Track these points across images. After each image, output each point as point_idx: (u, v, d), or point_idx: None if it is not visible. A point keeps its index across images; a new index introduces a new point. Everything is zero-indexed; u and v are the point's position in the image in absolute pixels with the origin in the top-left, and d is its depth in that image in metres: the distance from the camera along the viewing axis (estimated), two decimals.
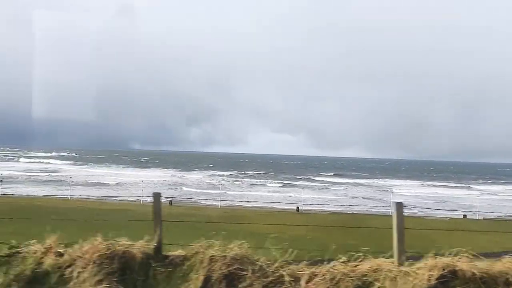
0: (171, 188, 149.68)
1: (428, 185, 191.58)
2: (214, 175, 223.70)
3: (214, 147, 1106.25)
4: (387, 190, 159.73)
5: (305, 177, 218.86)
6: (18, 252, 10.81)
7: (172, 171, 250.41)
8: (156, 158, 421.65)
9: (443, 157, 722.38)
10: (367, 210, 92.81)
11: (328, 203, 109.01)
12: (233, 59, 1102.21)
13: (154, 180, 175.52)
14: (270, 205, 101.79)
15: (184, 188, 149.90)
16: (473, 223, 66.18)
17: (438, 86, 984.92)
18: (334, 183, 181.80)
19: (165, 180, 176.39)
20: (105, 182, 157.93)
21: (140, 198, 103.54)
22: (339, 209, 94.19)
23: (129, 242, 11.15)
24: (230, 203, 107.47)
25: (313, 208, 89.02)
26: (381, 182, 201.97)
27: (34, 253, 10.66)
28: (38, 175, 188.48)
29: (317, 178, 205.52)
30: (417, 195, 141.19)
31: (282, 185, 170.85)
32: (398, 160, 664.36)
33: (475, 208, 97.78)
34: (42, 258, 10.54)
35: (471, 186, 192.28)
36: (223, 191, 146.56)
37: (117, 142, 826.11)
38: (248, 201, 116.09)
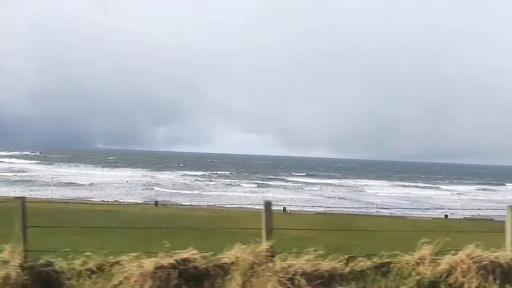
0: (147, 189, 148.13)
1: (398, 185, 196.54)
2: (186, 175, 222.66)
3: (180, 146, 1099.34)
4: (361, 191, 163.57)
5: (278, 177, 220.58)
6: (389, 263, 11.58)
7: (143, 171, 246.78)
8: (123, 158, 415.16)
9: (408, 158, 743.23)
10: (348, 211, 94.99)
11: (308, 204, 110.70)
12: (202, 58, 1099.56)
13: (128, 181, 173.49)
14: (250, 206, 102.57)
15: (158, 189, 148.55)
16: (455, 223, 68.65)
17: (404, 88, 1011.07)
18: (307, 183, 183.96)
19: (139, 180, 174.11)
20: (78, 182, 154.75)
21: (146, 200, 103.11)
22: (321, 209, 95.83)
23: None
24: (212, 203, 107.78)
25: (296, 209, 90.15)
26: (352, 182, 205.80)
27: (407, 263, 11.49)
28: (5, 175, 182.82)
29: (289, 179, 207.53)
30: (391, 195, 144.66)
31: (257, 185, 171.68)
32: (364, 160, 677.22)
33: (449, 207, 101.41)
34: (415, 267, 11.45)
35: (439, 186, 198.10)
36: (199, 192, 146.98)
37: (81, 141, 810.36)
38: (229, 202, 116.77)
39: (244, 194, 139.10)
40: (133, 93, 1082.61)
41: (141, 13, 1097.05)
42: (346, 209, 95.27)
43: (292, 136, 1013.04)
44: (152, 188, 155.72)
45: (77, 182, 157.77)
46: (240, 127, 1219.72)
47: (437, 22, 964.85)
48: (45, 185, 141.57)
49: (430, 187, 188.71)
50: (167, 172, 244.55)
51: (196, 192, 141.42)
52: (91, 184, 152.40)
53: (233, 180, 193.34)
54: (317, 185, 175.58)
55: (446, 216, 79.67)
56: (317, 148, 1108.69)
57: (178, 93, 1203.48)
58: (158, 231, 56.09)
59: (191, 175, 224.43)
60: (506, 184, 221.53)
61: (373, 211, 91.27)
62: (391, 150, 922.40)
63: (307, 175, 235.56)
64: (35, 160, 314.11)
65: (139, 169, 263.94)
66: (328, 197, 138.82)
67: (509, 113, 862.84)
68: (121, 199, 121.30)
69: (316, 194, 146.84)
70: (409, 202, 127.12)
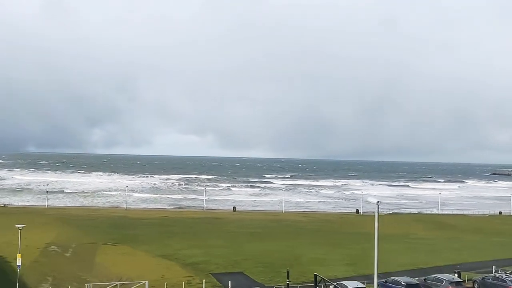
0: (177, 193, 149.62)
1: (382, 185, 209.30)
2: (169, 179, 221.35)
3: (117, 148, 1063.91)
4: (355, 192, 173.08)
5: (261, 179, 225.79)
6: None
7: (114, 176, 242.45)
8: (71, 162, 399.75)
9: (344, 157, 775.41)
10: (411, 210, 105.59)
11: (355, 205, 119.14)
12: (139, 57, 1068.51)
13: (128, 186, 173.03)
14: (315, 210, 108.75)
15: (156, 195, 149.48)
16: None
17: (342, 89, 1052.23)
18: (298, 185, 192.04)
19: (134, 187, 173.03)
20: (68, 190, 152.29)
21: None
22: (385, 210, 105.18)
23: None
24: (242, 208, 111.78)
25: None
26: (339, 183, 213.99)
27: None
28: None
29: (275, 181, 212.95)
30: (390, 196, 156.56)
31: (255, 188, 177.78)
32: (306, 160, 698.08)
33: (453, 205, 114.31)
34: None
35: (409, 185, 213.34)
36: (202, 196, 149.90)
37: (8, 145, 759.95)
38: (255, 207, 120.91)
39: (262, 199, 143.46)
40: (65, 93, 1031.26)
41: (72, 8, 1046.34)
42: (408, 209, 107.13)
43: (231, 137, 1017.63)
44: (157, 192, 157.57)
45: (67, 190, 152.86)
46: (178, 128, 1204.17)
47: (371, 24, 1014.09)
48: (44, 194, 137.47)
49: (402, 186, 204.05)
50: (137, 175, 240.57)
51: (216, 197, 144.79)
52: (93, 192, 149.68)
53: (223, 184, 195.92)
54: (308, 187, 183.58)
55: (500, 212, 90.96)
56: (256, 148, 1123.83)
57: (113, 93, 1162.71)
58: (330, 234, 61.29)
59: (167, 178, 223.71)
60: (465, 180, 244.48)
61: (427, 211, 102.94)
62: (328, 149, 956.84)
63: (291, 177, 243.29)
64: None
65: (107, 173, 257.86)
66: (338, 198, 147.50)
67: (436, 116, 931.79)
68: (174, 205, 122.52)
69: (326, 196, 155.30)
70: (416, 201, 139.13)
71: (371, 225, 73.62)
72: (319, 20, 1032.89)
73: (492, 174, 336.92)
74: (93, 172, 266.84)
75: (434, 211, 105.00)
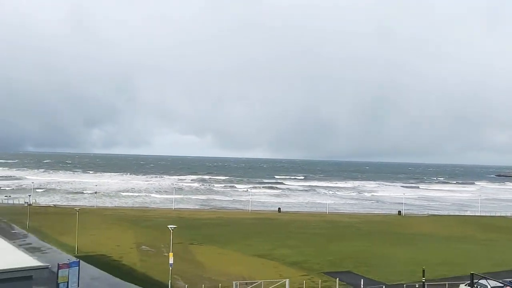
0: (199, 194, 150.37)
1: (388, 186, 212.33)
2: (182, 180, 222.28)
3: (116, 148, 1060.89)
4: (374, 193, 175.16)
5: (275, 180, 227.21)
6: None
7: (126, 176, 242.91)
8: (73, 162, 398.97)
9: (344, 157, 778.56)
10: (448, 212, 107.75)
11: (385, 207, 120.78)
12: (138, 58, 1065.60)
13: (129, 187, 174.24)
14: (321, 210, 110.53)
15: (188, 196, 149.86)
16: None
17: (341, 90, 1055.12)
18: (314, 187, 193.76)
19: (160, 188, 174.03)
20: (87, 191, 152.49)
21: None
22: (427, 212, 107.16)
23: None
24: (285, 209, 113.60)
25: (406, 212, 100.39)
26: (354, 184, 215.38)
27: None
28: (5, 184, 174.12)
29: (287, 182, 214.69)
30: (411, 197, 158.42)
31: (269, 188, 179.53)
32: (305, 160, 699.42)
33: (476, 207, 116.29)
34: None
35: (419, 186, 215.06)
36: (224, 196, 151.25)
37: (7, 144, 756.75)
38: (289, 207, 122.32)
39: (286, 200, 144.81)
40: (64, 93, 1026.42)
41: (71, 9, 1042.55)
42: (439, 211, 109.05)
43: (230, 137, 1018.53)
44: (204, 193, 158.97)
45: (89, 191, 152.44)
46: (177, 128, 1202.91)
47: (370, 27, 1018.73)
48: (70, 194, 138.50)
49: (413, 187, 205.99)
50: (153, 176, 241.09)
51: (239, 198, 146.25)
52: (117, 193, 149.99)
53: (239, 186, 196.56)
54: (329, 189, 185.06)
55: None
56: (255, 149, 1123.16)
57: (113, 93, 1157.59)
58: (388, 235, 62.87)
59: (179, 179, 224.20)
60: (476, 183, 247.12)
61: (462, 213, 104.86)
62: (327, 150, 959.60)
63: (304, 179, 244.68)
64: None
65: (119, 174, 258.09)
66: (371, 201, 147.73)
67: (431, 117, 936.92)
68: (205, 205, 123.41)
69: (347, 197, 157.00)
70: (440, 203, 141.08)
71: (422, 226, 75.79)
72: (319, 20, 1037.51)
73: (497, 176, 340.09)
74: (104, 173, 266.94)
75: (468, 213, 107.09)
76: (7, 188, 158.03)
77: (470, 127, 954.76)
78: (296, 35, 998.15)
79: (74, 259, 34.54)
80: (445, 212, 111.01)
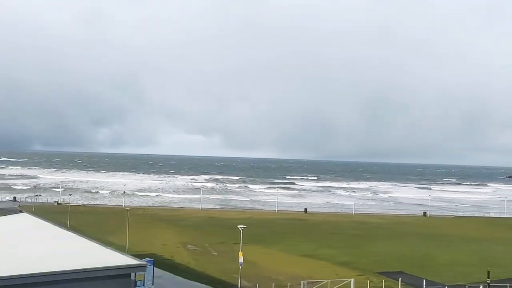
0: (216, 194, 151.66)
1: (401, 187, 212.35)
2: (195, 180, 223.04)
3: (122, 148, 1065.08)
4: (391, 194, 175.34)
5: (287, 181, 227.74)
6: None
7: (139, 175, 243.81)
8: (82, 161, 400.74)
9: (347, 157, 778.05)
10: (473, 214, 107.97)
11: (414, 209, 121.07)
12: (145, 58, 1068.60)
13: (145, 186, 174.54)
14: (344, 211, 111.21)
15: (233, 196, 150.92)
16: None
17: (346, 91, 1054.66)
18: (329, 187, 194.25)
19: (184, 185, 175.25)
20: (118, 190, 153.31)
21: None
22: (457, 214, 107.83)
23: None
24: (311, 210, 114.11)
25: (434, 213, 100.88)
26: (367, 185, 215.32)
27: None
28: (24, 182, 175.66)
29: (301, 183, 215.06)
30: (427, 198, 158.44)
31: (286, 188, 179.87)
32: (312, 161, 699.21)
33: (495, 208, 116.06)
34: None
35: (431, 187, 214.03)
36: (241, 196, 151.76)
37: (14, 143, 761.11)
38: (312, 208, 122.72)
39: (303, 201, 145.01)
40: (71, 93, 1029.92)
41: (79, 9, 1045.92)
42: (461, 213, 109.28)
43: (236, 137, 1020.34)
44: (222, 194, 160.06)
45: (108, 190, 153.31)
46: (185, 128, 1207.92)
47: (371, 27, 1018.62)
48: (90, 193, 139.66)
49: (424, 188, 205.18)
50: (166, 176, 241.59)
51: (256, 198, 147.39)
52: (136, 192, 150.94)
53: (253, 186, 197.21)
54: (344, 190, 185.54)
55: None
56: (260, 149, 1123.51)
57: (120, 93, 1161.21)
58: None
59: (202, 180, 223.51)
60: (488, 184, 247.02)
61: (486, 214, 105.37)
62: (333, 150, 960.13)
63: (318, 179, 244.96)
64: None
65: (131, 173, 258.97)
66: (394, 202, 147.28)
67: (436, 119, 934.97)
68: (225, 205, 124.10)
69: (365, 198, 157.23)
70: (458, 204, 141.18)
71: (451, 227, 76.11)
72: (322, 20, 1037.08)
73: (508, 177, 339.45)
74: (115, 172, 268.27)
75: (491, 214, 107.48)
76: (24, 187, 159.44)
77: (473, 128, 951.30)
78: (299, 35, 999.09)
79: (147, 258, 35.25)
80: (468, 214, 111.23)
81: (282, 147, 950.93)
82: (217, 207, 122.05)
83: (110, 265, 24.77)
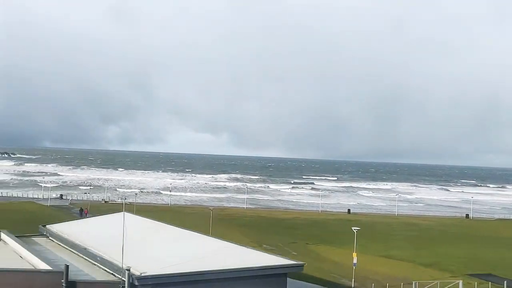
0: (241, 193, 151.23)
1: (420, 187, 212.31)
2: (216, 179, 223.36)
3: (131, 145, 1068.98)
4: (417, 195, 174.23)
5: (302, 181, 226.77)
6: None
7: (158, 174, 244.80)
8: (95, 159, 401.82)
9: (358, 157, 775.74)
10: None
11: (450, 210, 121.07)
12: (153, 56, 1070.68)
13: (175, 186, 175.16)
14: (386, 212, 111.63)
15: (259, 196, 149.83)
16: None
17: (357, 90, 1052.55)
18: (352, 188, 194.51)
19: (207, 184, 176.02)
20: (162, 191, 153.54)
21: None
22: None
23: None
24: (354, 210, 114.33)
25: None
26: (388, 186, 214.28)
27: None
28: (21, 179, 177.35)
29: (320, 183, 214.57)
30: (454, 200, 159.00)
31: (310, 189, 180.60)
32: (323, 160, 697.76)
33: None
34: None
35: (449, 189, 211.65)
36: (266, 195, 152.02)
37: (23, 140, 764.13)
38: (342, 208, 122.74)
39: (328, 201, 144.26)
40: (82, 90, 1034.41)
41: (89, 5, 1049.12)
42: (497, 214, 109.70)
43: (245, 136, 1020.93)
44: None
45: (135, 189, 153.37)
46: (194, 126, 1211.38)
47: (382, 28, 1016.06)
48: (116, 191, 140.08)
49: (464, 192, 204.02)
50: (185, 175, 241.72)
51: (282, 198, 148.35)
52: (162, 191, 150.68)
53: (274, 186, 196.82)
54: (367, 190, 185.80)
55: None
56: (270, 148, 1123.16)
57: (128, 91, 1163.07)
58: None
59: (224, 179, 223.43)
60: (507, 186, 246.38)
61: None
62: (342, 150, 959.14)
63: (337, 180, 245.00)
64: (15, 161, 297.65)
65: (151, 172, 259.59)
66: (424, 204, 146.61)
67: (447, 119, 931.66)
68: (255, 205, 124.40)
69: (393, 199, 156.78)
70: (490, 207, 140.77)
71: (500, 229, 76.33)
72: (333, 20, 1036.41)
73: None
74: (133, 170, 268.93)
75: None
76: (50, 185, 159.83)
77: (485, 129, 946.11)
78: (310, 34, 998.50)
79: None
80: (507, 216, 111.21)
81: (290, 146, 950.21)
82: (251, 206, 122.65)
83: (269, 265, 25.68)
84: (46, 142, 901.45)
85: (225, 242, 30.55)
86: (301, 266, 26.30)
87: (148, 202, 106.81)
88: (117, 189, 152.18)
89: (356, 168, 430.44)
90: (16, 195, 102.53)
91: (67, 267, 23.83)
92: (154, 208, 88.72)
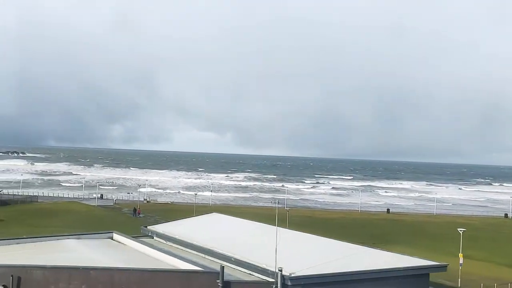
0: (263, 192, 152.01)
1: (436, 186, 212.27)
2: (231, 178, 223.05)
3: (135, 144, 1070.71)
4: (431, 193, 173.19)
5: (314, 180, 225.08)
6: None
7: (172, 173, 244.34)
8: (104, 157, 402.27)
9: (363, 156, 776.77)
10: None
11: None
12: (158, 55, 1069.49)
13: (195, 185, 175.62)
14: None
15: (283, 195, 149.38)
16: None
17: (361, 89, 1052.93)
18: (370, 187, 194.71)
19: (225, 183, 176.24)
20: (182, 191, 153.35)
21: None
22: None
23: None
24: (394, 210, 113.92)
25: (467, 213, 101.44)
26: (407, 185, 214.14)
27: None
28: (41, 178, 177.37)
29: (334, 182, 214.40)
30: (475, 199, 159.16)
31: (331, 188, 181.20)
32: (330, 159, 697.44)
33: None
34: None
35: (462, 188, 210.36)
36: (288, 195, 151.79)
37: (28, 139, 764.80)
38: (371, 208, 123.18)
39: (346, 200, 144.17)
40: (85, 89, 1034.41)
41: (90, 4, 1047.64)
42: None
43: (248, 135, 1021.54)
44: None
45: (156, 188, 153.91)
46: (198, 125, 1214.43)
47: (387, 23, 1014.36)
48: (134, 190, 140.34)
49: (482, 190, 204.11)
50: (199, 174, 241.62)
51: (304, 197, 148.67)
52: (183, 190, 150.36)
53: (287, 184, 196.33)
54: (386, 190, 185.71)
55: None
56: (274, 146, 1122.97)
57: (133, 90, 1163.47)
58: None
59: (241, 178, 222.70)
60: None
61: None
62: (347, 148, 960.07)
63: (353, 179, 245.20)
64: (28, 160, 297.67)
65: (164, 171, 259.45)
66: (450, 203, 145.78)
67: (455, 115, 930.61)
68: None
69: (415, 198, 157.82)
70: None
71: None
72: (339, 18, 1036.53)
73: None
74: (147, 169, 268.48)
75: None
76: (73, 185, 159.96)
77: (490, 127, 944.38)
78: (315, 32, 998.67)
79: None
80: None
81: (294, 145, 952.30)
82: (280, 206, 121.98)
83: (414, 265, 26.15)
84: (50, 141, 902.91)
85: (344, 243, 30.93)
86: (445, 266, 26.69)
87: (186, 202, 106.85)
88: (140, 189, 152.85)
89: (364, 167, 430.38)
90: (57, 195, 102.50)
91: (222, 268, 24.43)
92: (200, 208, 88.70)
